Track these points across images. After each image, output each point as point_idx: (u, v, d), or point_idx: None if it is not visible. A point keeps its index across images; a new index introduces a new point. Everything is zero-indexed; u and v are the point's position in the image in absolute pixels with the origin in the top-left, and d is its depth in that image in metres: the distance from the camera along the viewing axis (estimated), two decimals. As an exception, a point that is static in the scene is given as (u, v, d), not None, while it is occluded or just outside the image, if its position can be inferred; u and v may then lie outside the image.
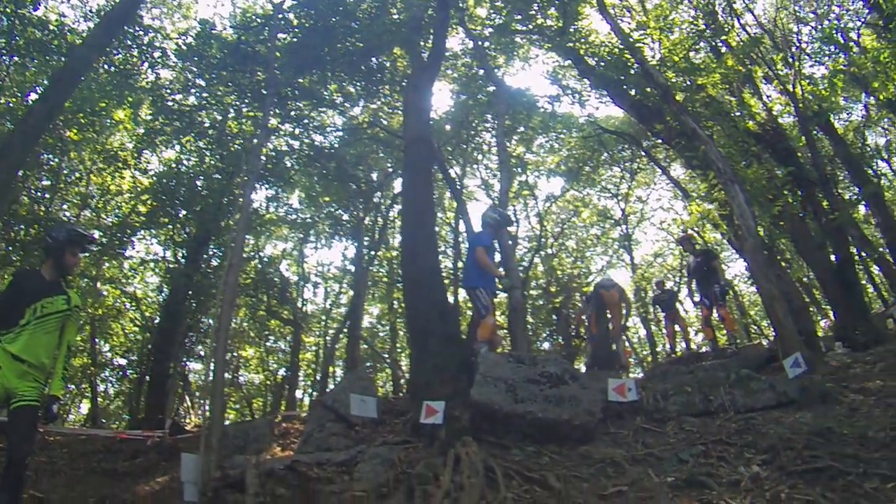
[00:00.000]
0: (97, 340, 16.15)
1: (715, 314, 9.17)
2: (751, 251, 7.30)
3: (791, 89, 11.61)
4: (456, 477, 3.75)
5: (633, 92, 9.39)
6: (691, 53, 10.19)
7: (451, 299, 16.67)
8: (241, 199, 14.67)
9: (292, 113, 12.31)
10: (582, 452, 4.39)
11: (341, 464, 4.57)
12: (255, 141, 8.85)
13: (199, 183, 13.25)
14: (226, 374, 21.59)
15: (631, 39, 9.07)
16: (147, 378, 13.08)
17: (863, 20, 15.40)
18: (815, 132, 12.85)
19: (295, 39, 9.83)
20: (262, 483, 4.08)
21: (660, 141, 10.35)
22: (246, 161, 10.71)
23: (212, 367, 5.69)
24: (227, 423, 11.00)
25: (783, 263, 10.32)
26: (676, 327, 10.83)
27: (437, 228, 16.28)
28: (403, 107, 10.38)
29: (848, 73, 13.17)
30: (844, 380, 5.72)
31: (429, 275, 6.83)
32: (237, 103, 11.48)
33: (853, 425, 4.23)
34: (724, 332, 10.23)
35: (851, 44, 14.63)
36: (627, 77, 9.34)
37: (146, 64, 10.62)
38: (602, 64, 9.52)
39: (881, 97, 13.52)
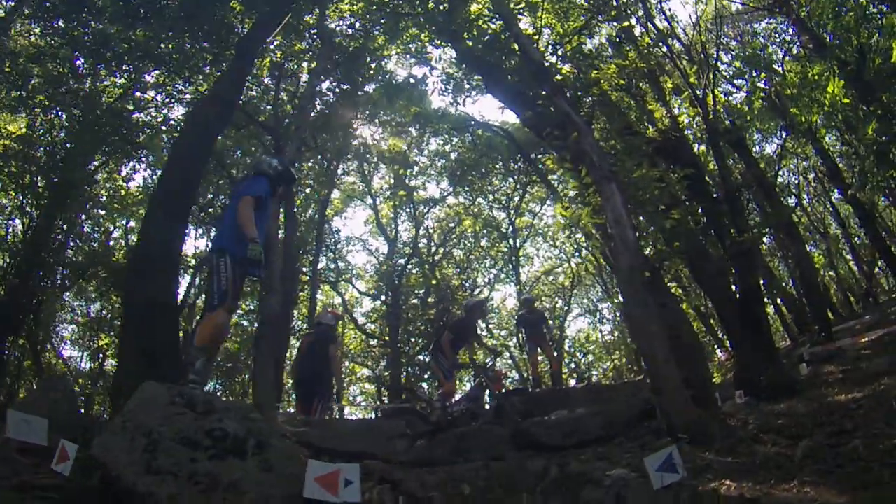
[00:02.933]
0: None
1: None
2: (625, 270, 5.69)
3: (702, 97, 10.52)
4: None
5: (511, 78, 7.81)
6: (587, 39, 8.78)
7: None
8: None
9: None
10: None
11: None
12: None
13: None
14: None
15: (511, 7, 7.57)
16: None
17: (786, 52, 14.78)
18: (725, 148, 11.80)
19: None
20: None
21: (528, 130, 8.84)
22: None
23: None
24: None
25: (679, 291, 8.84)
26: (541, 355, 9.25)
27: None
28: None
29: (767, 95, 12.27)
30: (750, 471, 3.38)
31: (159, 258, 5.12)
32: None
33: None
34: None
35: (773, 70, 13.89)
36: (506, 58, 7.81)
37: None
38: (479, 45, 7.94)
39: (801, 121, 12.60)
